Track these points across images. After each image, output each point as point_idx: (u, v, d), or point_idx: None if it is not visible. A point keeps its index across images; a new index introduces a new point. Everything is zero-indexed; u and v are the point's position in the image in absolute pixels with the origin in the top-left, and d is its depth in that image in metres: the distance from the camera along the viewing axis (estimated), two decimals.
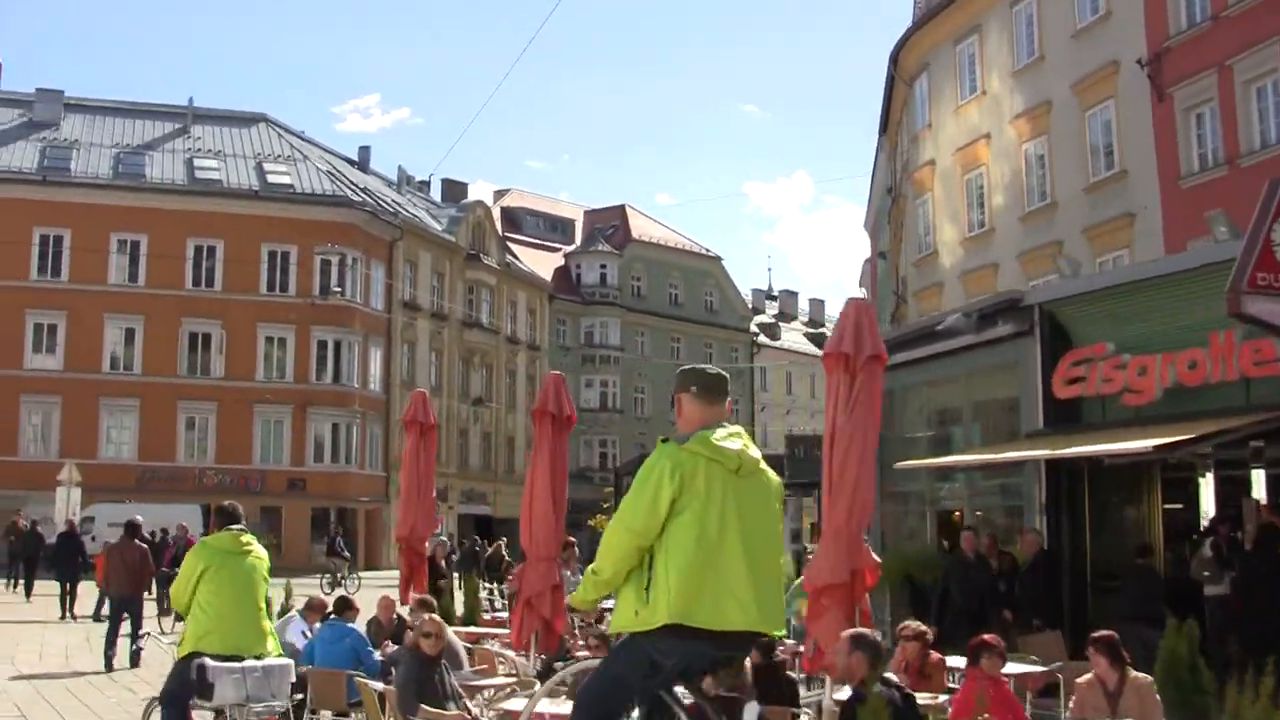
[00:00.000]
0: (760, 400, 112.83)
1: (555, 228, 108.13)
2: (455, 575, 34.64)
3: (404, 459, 19.85)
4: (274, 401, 69.41)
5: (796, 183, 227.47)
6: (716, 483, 6.98)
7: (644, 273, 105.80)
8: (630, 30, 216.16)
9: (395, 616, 17.77)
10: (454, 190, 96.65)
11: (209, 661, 10.49)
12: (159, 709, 11.19)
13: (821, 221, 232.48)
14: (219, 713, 10.88)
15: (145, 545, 25.44)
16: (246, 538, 11.39)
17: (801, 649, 14.11)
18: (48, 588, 37.17)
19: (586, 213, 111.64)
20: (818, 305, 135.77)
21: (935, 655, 13.70)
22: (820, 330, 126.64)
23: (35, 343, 67.24)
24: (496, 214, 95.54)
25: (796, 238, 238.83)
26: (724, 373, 7.57)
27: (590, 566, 7.36)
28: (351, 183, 78.49)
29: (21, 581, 41.26)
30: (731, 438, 7.19)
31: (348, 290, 71.62)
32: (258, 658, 10.77)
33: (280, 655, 11.23)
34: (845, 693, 10.57)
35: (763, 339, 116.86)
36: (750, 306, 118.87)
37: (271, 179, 73.11)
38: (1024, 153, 39.85)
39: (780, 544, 7.47)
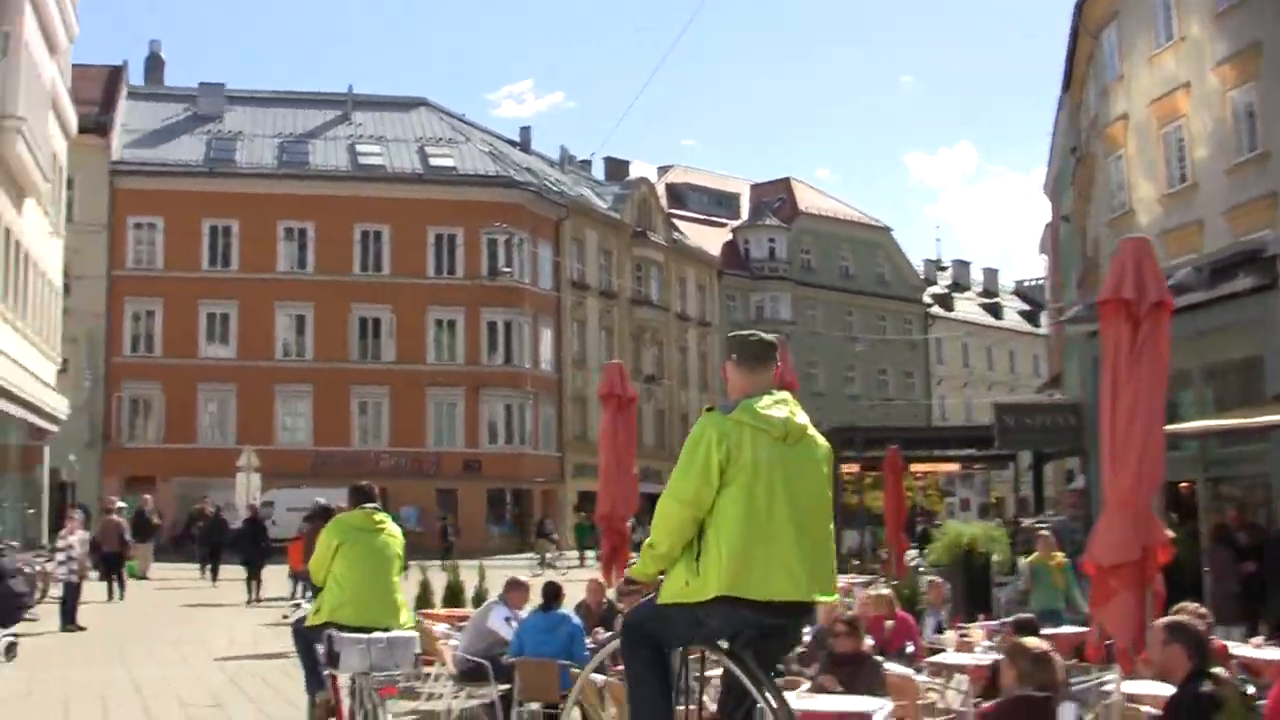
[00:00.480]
0: (936, 373, 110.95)
1: (720, 203, 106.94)
2: None
3: (601, 435, 18.67)
4: (446, 384, 69.26)
5: (959, 153, 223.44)
6: (763, 452, 6.89)
7: (813, 246, 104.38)
8: (781, 8, 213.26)
9: (605, 601, 17.22)
10: (616, 168, 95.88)
11: (335, 632, 10.92)
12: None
13: (986, 191, 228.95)
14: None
15: None
16: (380, 516, 11.74)
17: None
18: (233, 573, 37.14)
19: (752, 187, 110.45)
20: (991, 275, 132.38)
21: (1217, 641, 12.39)
22: (995, 300, 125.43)
23: (209, 332, 67.83)
24: (661, 191, 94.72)
25: (960, 209, 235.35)
26: (768, 338, 7.43)
27: (646, 541, 7.19)
28: (514, 163, 78.10)
29: (209, 567, 41.41)
30: (777, 405, 7.09)
31: (516, 271, 71.21)
32: (386, 630, 11.05)
33: (410, 628, 11.47)
34: (1140, 686, 10.16)
35: (936, 310, 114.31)
36: (922, 278, 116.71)
37: (434, 162, 72.94)
38: (1229, 101, 37.74)
39: (829, 509, 7.23)
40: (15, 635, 21.28)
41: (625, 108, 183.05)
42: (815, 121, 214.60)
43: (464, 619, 18.38)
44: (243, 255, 68.25)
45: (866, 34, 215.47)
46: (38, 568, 28.86)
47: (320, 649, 11.25)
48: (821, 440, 7.23)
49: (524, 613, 14.81)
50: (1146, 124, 41.91)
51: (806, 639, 14.11)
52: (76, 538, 26.48)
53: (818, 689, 11.55)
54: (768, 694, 6.86)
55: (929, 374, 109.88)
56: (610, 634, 14.14)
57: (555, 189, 78.73)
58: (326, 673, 11.31)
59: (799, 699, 10.09)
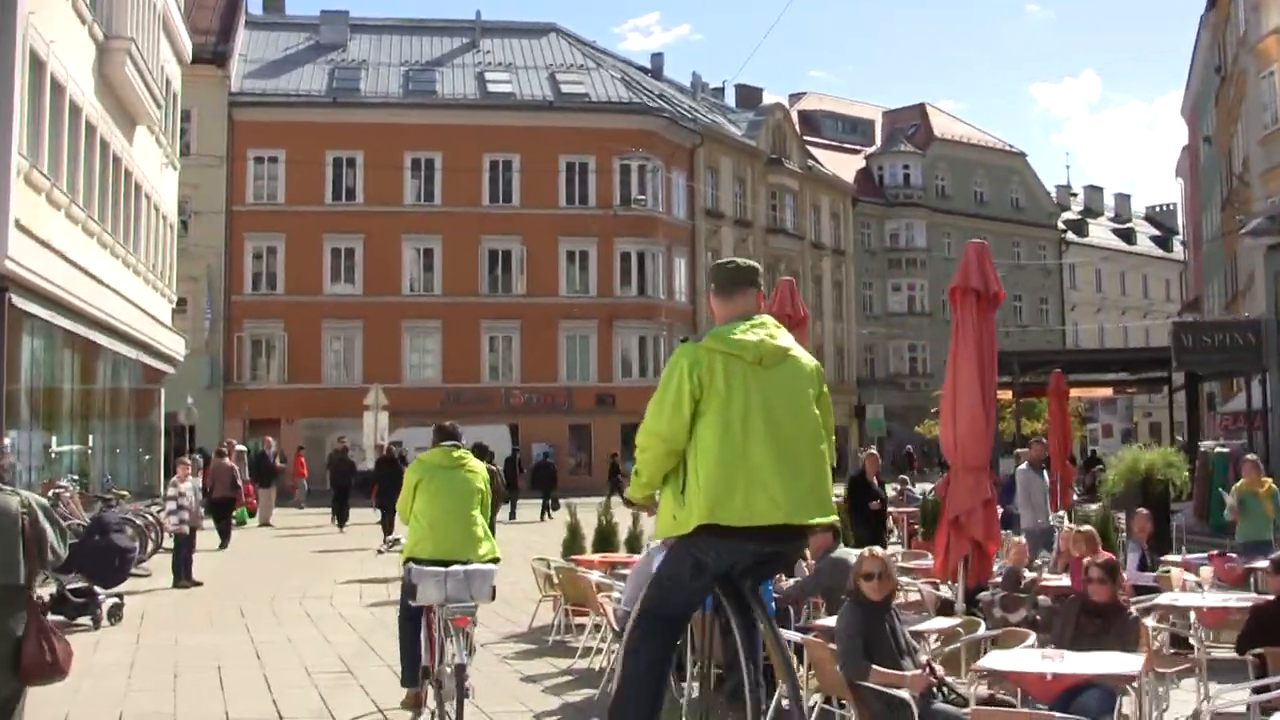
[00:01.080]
0: (1070, 299, 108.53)
1: (854, 129, 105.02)
2: None
3: None
4: (579, 317, 67.66)
5: (1084, 82, 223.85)
6: (737, 377, 6.93)
7: (947, 172, 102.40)
8: None
9: None
10: (749, 96, 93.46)
11: (414, 565, 11.20)
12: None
13: (1111, 120, 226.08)
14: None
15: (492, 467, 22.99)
16: (459, 452, 11.98)
17: None
18: (364, 516, 35.33)
19: (885, 114, 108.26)
20: (1123, 200, 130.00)
21: None
22: (1128, 225, 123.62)
23: (334, 268, 66.27)
24: (794, 118, 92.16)
25: (1086, 138, 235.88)
26: (745, 263, 7.49)
27: (634, 468, 7.33)
28: (647, 90, 75.88)
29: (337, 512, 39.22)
30: (753, 329, 7.10)
31: (650, 200, 69.27)
32: (465, 563, 11.17)
33: (489, 560, 11.49)
34: None
35: (1070, 236, 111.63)
36: (1055, 204, 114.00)
37: (565, 89, 70.97)
38: None
39: (817, 429, 7.11)
40: (120, 595, 19.27)
41: (754, 38, 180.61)
42: (941, 53, 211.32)
43: (621, 565, 17.65)
44: (367, 188, 66.52)
45: None
46: (149, 519, 27.20)
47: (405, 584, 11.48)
48: (808, 360, 7.27)
49: None
50: None
51: (998, 579, 14.20)
52: (188, 485, 24.50)
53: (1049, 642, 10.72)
54: (762, 627, 7.00)
55: (1063, 300, 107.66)
56: (793, 581, 13.93)
57: (689, 116, 76.56)
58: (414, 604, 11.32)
59: (1044, 660, 9.51)
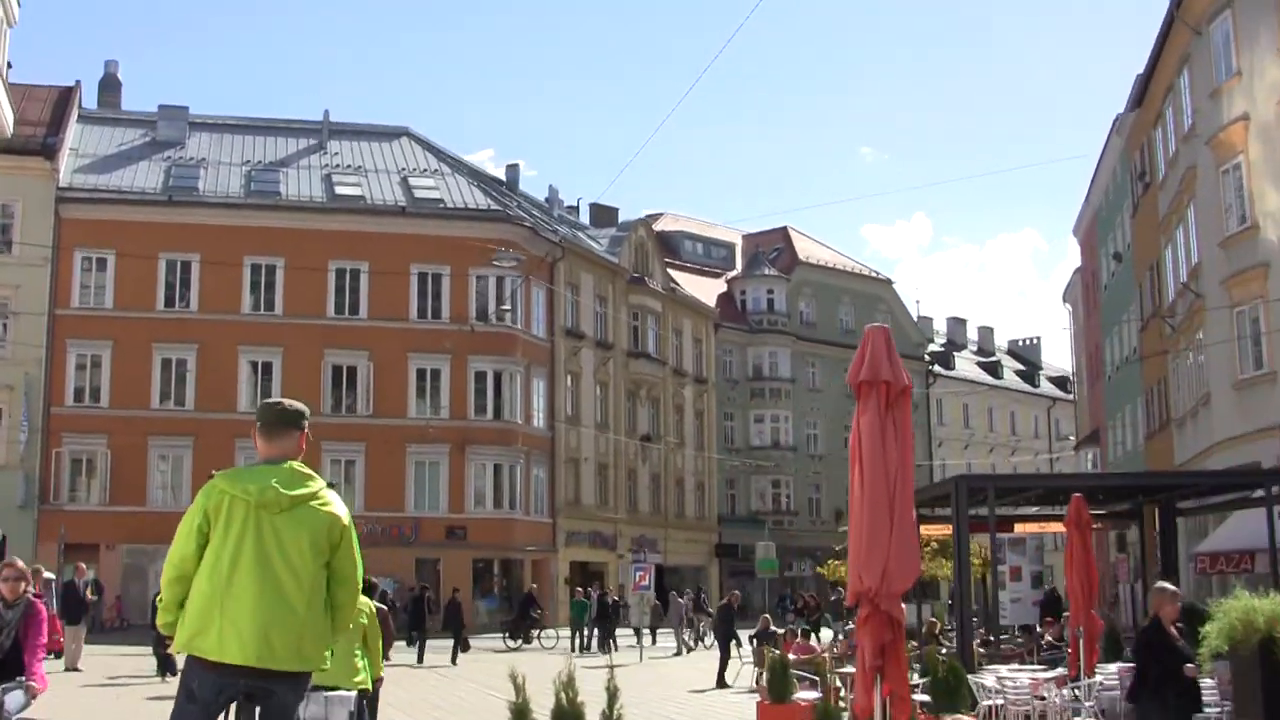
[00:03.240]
0: (937, 435, 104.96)
1: (713, 252, 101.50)
2: None
3: (861, 450, 12.40)
4: (429, 441, 62.65)
5: (915, 225, 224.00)
6: (237, 518, 7.35)
7: (812, 298, 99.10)
8: (741, 78, 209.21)
9: None
10: (605, 216, 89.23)
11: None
12: None
13: (941, 263, 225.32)
14: None
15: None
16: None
17: None
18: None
19: (745, 236, 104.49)
20: (986, 333, 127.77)
21: None
22: (993, 359, 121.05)
23: (164, 380, 61.21)
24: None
25: (915, 280, 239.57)
26: (291, 406, 7.97)
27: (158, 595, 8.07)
28: (503, 200, 71.15)
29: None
30: (269, 474, 7.52)
31: (507, 317, 64.74)
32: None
33: None
34: None
35: (937, 369, 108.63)
36: (922, 334, 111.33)
37: (419, 194, 66.67)
38: None
39: (314, 578, 7.43)
40: None
41: (591, 170, 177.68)
42: (777, 190, 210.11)
43: None
44: (203, 295, 61.83)
45: (829, 107, 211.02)
46: None
47: None
48: (328, 511, 7.54)
49: None
50: (1275, 125, 36.35)
51: None
52: None
53: None
54: None
55: (930, 435, 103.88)
56: None
57: (549, 226, 72.27)
58: None
59: None
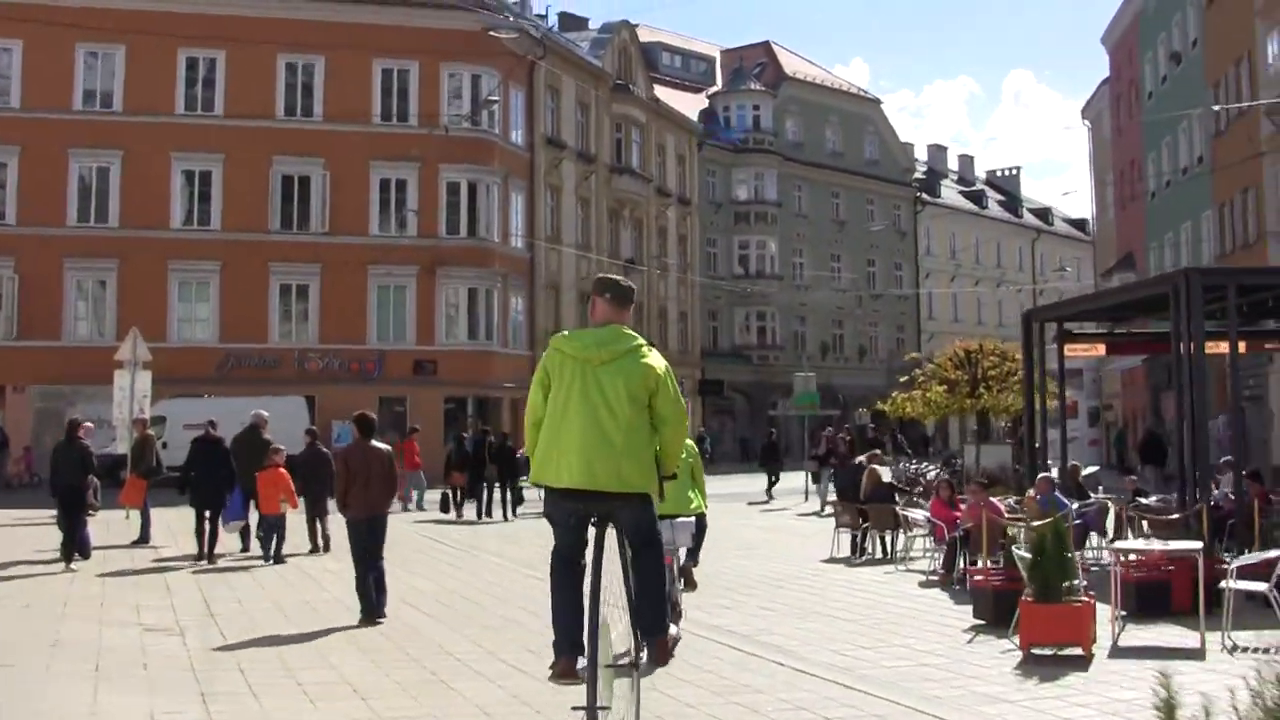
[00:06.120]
0: (924, 266, 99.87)
1: (694, 67, 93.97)
2: None
3: None
4: (394, 262, 56.00)
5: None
6: (568, 372, 8.75)
7: (799, 116, 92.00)
8: None
9: None
10: (574, 25, 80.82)
11: None
12: None
13: (939, 94, 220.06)
14: None
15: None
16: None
17: None
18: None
19: (724, 52, 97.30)
20: (967, 162, 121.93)
21: None
22: (976, 189, 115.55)
23: (82, 194, 54.51)
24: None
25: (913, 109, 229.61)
26: (628, 284, 9.39)
27: None
28: None
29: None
30: (597, 335, 8.94)
31: (484, 120, 57.35)
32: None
33: None
34: None
35: (925, 196, 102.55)
36: (911, 159, 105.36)
37: None
38: None
39: (632, 420, 8.66)
40: None
41: None
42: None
43: None
44: (128, 93, 54.66)
45: None
46: None
47: None
48: (645, 363, 8.75)
49: None
50: None
51: None
52: None
53: None
54: (628, 588, 8.85)
55: (918, 266, 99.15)
56: None
57: (531, 20, 64.78)
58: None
59: None
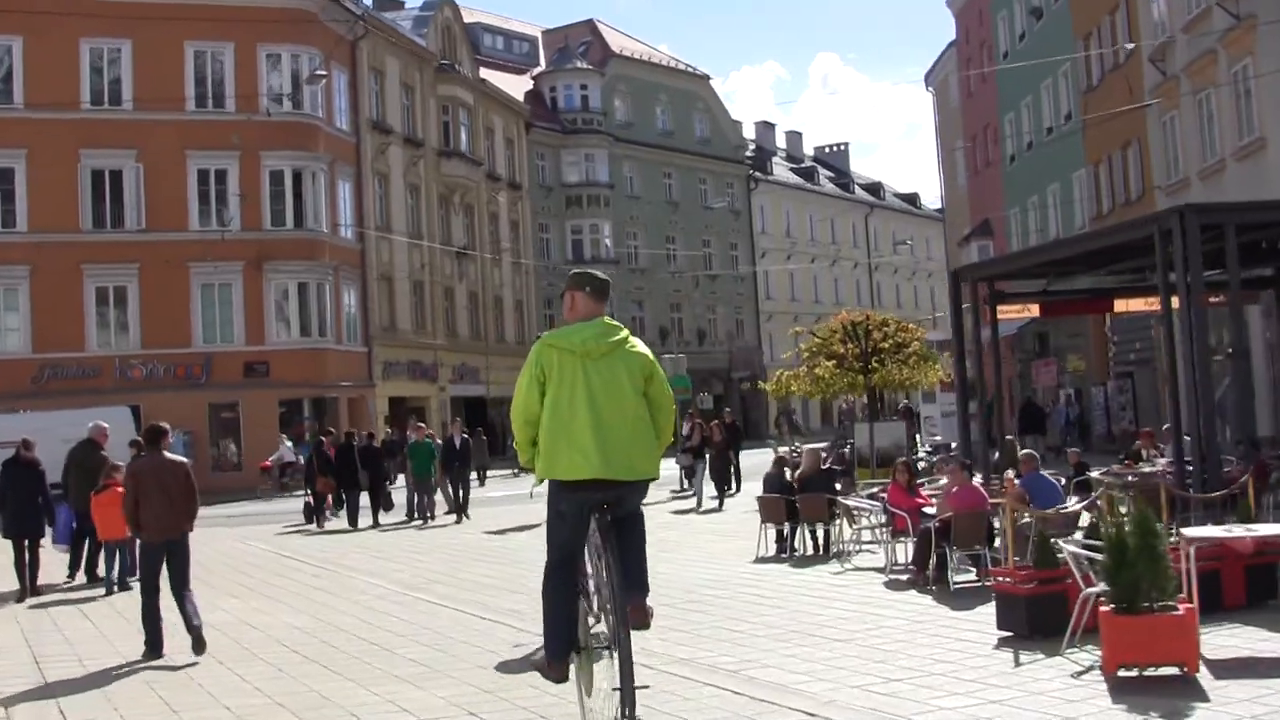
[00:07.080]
0: (760, 245, 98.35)
1: (515, 47, 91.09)
2: None
3: None
4: (217, 259, 52.44)
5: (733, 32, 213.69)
6: (566, 367, 8.91)
7: (629, 95, 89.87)
8: None
9: None
10: (391, 4, 76.62)
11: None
12: None
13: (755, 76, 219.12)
14: None
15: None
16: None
17: None
18: None
19: (545, 33, 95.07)
20: (795, 139, 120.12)
21: None
22: (805, 166, 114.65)
23: None
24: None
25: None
26: (606, 277, 9.50)
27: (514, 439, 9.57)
28: None
29: None
30: (587, 329, 9.10)
31: (307, 103, 54.24)
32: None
33: None
34: None
35: (757, 174, 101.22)
36: (742, 136, 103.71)
37: None
38: None
39: (634, 409, 8.95)
40: None
41: None
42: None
43: None
44: None
45: None
46: None
47: None
48: (638, 353, 9.12)
49: None
50: None
51: None
52: None
53: None
54: (611, 560, 8.73)
55: (754, 245, 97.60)
56: None
57: None
58: None
59: None
